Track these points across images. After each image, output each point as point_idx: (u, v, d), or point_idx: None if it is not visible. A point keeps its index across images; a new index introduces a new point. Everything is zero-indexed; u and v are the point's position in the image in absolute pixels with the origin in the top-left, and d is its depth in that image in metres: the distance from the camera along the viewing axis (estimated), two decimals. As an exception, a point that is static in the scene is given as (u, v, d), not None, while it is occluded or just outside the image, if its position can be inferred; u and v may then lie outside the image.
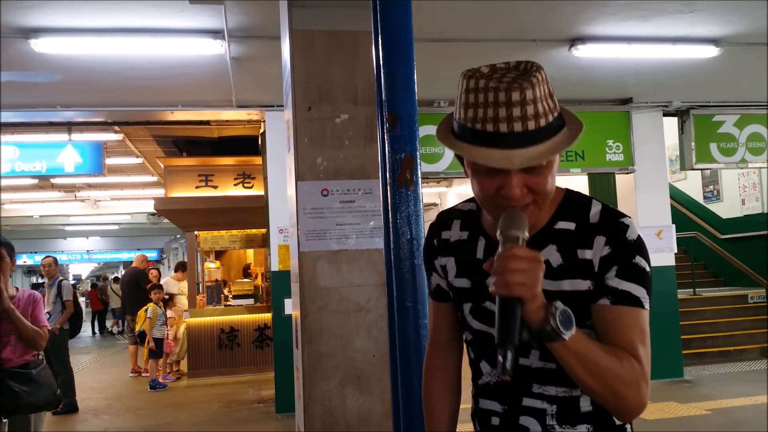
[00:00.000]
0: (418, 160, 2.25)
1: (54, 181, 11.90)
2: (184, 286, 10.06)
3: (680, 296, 7.97)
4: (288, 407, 6.16)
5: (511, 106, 1.11)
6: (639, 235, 1.23)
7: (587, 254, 1.23)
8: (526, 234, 1.15)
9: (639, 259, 1.21)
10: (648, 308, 1.21)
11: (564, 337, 1.11)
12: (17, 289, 3.77)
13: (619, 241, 1.22)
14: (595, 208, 1.27)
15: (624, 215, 1.27)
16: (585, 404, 1.26)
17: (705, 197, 11.72)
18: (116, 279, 20.93)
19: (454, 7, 4.69)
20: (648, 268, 1.22)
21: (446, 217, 1.45)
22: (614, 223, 1.24)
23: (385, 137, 2.21)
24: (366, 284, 3.20)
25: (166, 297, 9.39)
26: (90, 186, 13.58)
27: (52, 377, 3.74)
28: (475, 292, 1.35)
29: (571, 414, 1.26)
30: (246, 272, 11.56)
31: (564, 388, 1.26)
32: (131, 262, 11.20)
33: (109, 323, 19.69)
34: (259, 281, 10.43)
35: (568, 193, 1.33)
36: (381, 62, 2.25)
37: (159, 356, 8.80)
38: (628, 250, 1.21)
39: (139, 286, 9.92)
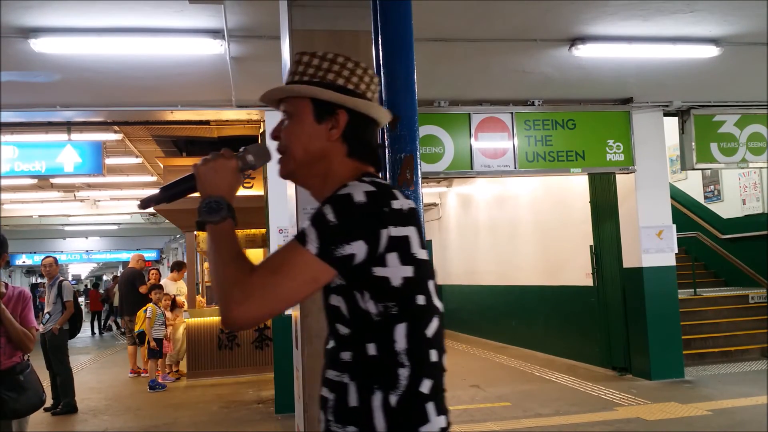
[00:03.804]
0: (418, 160, 2.25)
1: (53, 181, 11.88)
2: (182, 285, 10.05)
3: (681, 296, 7.96)
4: (288, 408, 6.15)
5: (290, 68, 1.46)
6: (350, 194, 1.25)
7: None
8: (250, 157, 1.40)
9: (326, 207, 1.25)
10: (310, 249, 1.22)
11: (203, 218, 1.30)
12: (7, 285, 3.48)
13: (328, 197, 1.29)
14: (353, 180, 1.32)
15: (362, 182, 1.29)
16: (352, 396, 1.26)
17: (705, 197, 11.71)
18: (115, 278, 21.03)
19: (454, 7, 4.69)
20: (331, 217, 1.23)
21: None
22: (341, 186, 1.30)
23: (385, 137, 2.20)
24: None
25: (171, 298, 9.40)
26: (89, 186, 13.57)
27: (39, 381, 3.54)
28: None
29: (342, 407, 1.27)
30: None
31: (336, 372, 1.30)
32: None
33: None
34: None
35: (357, 177, 1.37)
36: (381, 62, 2.24)
37: (159, 356, 8.79)
38: (325, 201, 1.28)
39: (135, 286, 9.91)
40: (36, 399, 3.44)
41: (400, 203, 1.28)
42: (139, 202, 1.39)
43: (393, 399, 1.23)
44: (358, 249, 1.22)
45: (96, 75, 5.67)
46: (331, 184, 1.36)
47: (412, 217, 1.29)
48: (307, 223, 1.25)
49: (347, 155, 1.39)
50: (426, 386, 1.26)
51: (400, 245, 1.25)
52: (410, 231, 1.28)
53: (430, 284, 1.32)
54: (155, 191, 1.40)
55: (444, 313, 1.36)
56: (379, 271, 1.24)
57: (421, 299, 1.28)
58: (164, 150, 10.15)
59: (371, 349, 1.25)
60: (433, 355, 1.29)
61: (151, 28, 4.81)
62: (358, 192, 1.25)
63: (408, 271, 1.26)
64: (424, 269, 1.30)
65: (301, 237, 1.23)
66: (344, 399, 1.26)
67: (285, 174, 1.44)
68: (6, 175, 7.52)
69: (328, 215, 1.23)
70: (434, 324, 1.30)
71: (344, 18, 3.26)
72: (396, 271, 1.25)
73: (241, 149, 1.41)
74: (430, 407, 1.26)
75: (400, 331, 1.25)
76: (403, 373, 1.24)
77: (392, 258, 1.25)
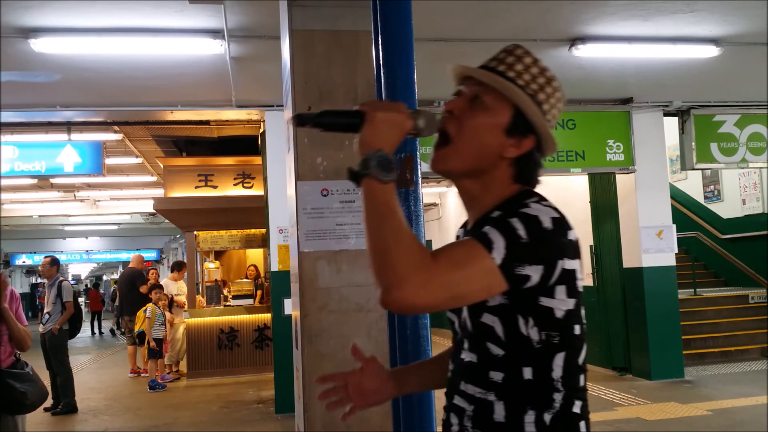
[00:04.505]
0: (418, 160, 2.25)
1: (53, 181, 11.88)
2: (182, 285, 10.05)
3: (681, 296, 7.96)
4: (288, 408, 6.15)
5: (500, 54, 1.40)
6: (538, 217, 1.18)
7: None
8: (422, 123, 1.28)
9: (515, 221, 1.17)
10: (495, 257, 1.14)
11: (371, 172, 1.17)
12: None
13: (509, 209, 1.21)
14: (529, 199, 1.25)
15: (542, 205, 1.22)
16: (499, 413, 1.22)
17: (705, 197, 11.72)
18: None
19: (454, 7, 4.69)
20: (522, 233, 1.15)
21: None
22: (520, 203, 1.23)
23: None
24: (366, 284, 3.18)
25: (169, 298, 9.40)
26: (89, 186, 13.57)
27: (37, 374, 3.66)
28: None
29: (486, 420, 1.24)
30: (248, 276, 11.54)
31: (480, 389, 1.25)
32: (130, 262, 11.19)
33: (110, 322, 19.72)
34: (259, 280, 10.41)
35: (522, 192, 1.30)
36: (381, 62, 2.24)
37: (159, 356, 8.80)
38: (510, 213, 1.19)
39: (135, 286, 9.92)
40: (45, 391, 3.58)
41: (574, 234, 1.24)
42: (292, 117, 1.30)
43: (547, 417, 1.21)
44: (535, 272, 1.17)
45: (96, 75, 5.67)
46: (492, 198, 1.31)
47: (578, 250, 1.26)
48: (490, 229, 1.17)
49: (512, 178, 1.32)
50: (577, 407, 1.25)
51: (569, 278, 1.22)
52: (578, 264, 1.25)
53: (583, 311, 1.29)
54: (316, 111, 1.26)
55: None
56: (545, 301, 1.21)
57: (577, 329, 1.27)
58: (164, 150, 10.15)
59: (527, 373, 1.23)
60: (582, 380, 1.28)
61: (151, 28, 4.81)
62: (546, 216, 1.19)
63: (571, 303, 1.24)
64: (581, 299, 1.28)
65: (486, 241, 1.15)
66: (488, 413, 1.24)
67: (443, 170, 1.33)
68: (6, 175, 7.52)
69: (519, 230, 1.16)
70: (584, 351, 1.29)
71: (344, 18, 3.26)
72: (561, 304, 1.22)
73: (413, 110, 1.28)
74: (583, 425, 1.25)
75: (559, 360, 1.23)
76: (558, 397, 1.23)
77: (560, 290, 1.22)
